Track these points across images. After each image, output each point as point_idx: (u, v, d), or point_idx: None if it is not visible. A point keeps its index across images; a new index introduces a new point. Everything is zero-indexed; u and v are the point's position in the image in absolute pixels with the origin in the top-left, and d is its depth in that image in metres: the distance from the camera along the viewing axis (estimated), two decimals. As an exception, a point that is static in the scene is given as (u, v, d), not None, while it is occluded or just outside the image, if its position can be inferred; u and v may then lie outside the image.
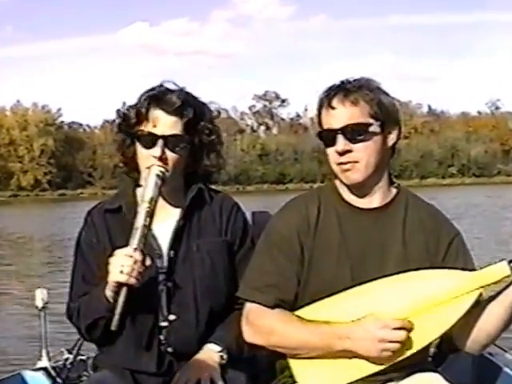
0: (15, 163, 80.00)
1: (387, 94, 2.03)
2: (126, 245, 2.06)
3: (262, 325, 2.02)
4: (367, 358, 1.90)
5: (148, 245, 2.09)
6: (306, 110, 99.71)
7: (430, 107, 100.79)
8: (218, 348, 2.13)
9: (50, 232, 23.14)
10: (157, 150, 2.11)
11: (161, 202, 2.15)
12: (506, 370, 2.53)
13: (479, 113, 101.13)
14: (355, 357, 1.92)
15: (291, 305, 2.03)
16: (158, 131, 2.12)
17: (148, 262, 2.03)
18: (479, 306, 1.93)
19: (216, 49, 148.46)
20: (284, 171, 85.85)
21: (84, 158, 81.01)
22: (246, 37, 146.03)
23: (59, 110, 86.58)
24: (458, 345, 2.01)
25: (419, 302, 1.91)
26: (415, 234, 2.03)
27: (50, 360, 2.86)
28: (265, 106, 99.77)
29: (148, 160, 2.13)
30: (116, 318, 1.98)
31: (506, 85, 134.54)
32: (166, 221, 2.18)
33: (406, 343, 1.88)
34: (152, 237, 2.15)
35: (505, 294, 1.91)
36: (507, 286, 1.91)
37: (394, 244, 2.02)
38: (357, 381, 1.95)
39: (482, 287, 1.91)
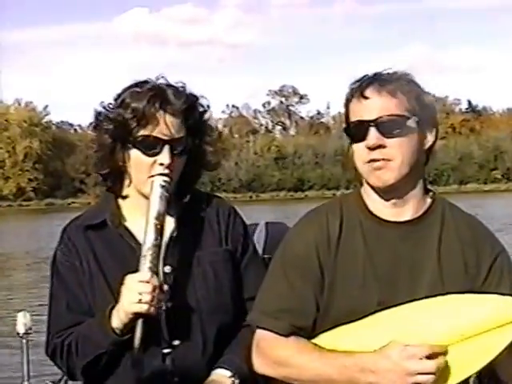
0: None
1: (424, 91, 2.02)
2: (116, 266, 2.06)
3: (274, 355, 2.01)
4: None
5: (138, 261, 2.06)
6: (328, 107, 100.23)
7: (469, 103, 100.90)
8: (229, 373, 2.11)
9: (34, 248, 23.22)
10: (165, 157, 2.09)
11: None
12: None
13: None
14: None
15: (309, 332, 2.02)
16: (163, 135, 2.10)
17: (166, 287, 2.03)
18: None
19: (226, 38, 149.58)
20: (303, 177, 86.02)
21: (75, 163, 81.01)
22: (261, 25, 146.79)
23: (46, 107, 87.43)
24: (503, 378, 1.99)
25: (457, 330, 1.88)
26: (453, 251, 2.01)
27: (32, 394, 2.84)
28: (281, 102, 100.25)
29: (150, 168, 2.11)
30: (136, 352, 1.97)
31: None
32: None
33: (441, 375, 1.85)
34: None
35: None
36: None
37: (428, 263, 1.99)
38: None
39: None
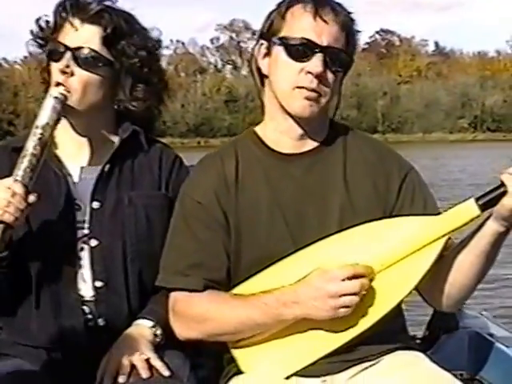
0: None
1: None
2: (38, 192, 2.07)
3: (192, 313, 2.05)
4: (325, 325, 1.94)
5: (63, 193, 2.13)
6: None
7: (437, 45, 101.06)
8: (151, 323, 2.15)
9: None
10: (62, 63, 2.13)
11: (82, 140, 2.20)
12: (505, 350, 2.69)
13: (498, 53, 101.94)
14: (312, 328, 1.96)
15: (224, 284, 2.07)
16: (68, 42, 2.14)
17: (32, 198, 1.99)
18: (449, 255, 2.01)
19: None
20: (256, 121, 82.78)
21: (3, 102, 79.70)
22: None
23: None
24: (431, 303, 2.12)
25: (376, 259, 1.96)
26: (359, 177, 2.09)
27: None
28: (231, 38, 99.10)
29: (55, 77, 2.15)
30: None
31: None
32: (90, 165, 2.21)
33: (367, 299, 1.93)
34: (70, 183, 2.19)
35: (478, 238, 1.95)
36: (478, 229, 1.95)
37: (336, 192, 2.06)
38: (322, 360, 1.98)
39: (449, 233, 1.97)
